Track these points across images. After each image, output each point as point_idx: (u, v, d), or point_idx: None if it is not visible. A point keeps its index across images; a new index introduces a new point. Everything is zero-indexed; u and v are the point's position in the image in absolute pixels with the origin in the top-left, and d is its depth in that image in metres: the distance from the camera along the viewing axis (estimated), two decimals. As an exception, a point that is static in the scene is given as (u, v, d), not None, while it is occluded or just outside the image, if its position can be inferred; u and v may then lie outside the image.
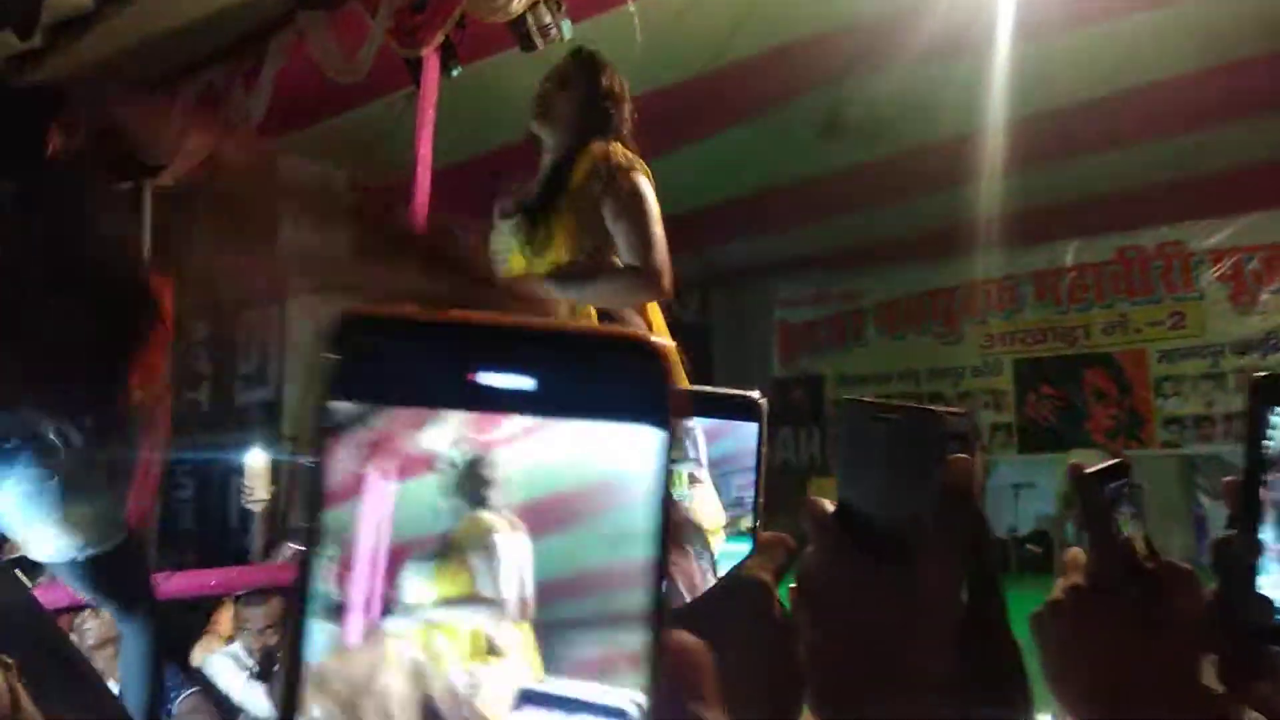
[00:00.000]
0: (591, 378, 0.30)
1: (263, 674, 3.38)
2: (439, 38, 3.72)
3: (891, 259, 8.28)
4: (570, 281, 2.38)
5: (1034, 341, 8.28)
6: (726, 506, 0.59)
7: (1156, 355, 7.70)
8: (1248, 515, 0.58)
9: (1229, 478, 0.61)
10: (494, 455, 0.31)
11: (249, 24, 4.31)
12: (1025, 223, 7.04)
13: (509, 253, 2.48)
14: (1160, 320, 7.71)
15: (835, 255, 8.29)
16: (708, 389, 0.60)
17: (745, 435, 0.57)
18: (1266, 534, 0.58)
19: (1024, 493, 7.91)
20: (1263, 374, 0.59)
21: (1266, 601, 0.57)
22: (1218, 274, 7.46)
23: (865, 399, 0.52)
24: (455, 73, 3.90)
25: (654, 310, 2.52)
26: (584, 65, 2.58)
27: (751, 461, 0.56)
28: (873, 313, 9.01)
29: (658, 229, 2.39)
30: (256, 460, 5.11)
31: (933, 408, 0.50)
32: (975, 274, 8.21)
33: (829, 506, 0.50)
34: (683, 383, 0.32)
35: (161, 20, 4.15)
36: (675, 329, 2.73)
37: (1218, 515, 7.62)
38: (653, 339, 0.31)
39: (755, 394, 0.56)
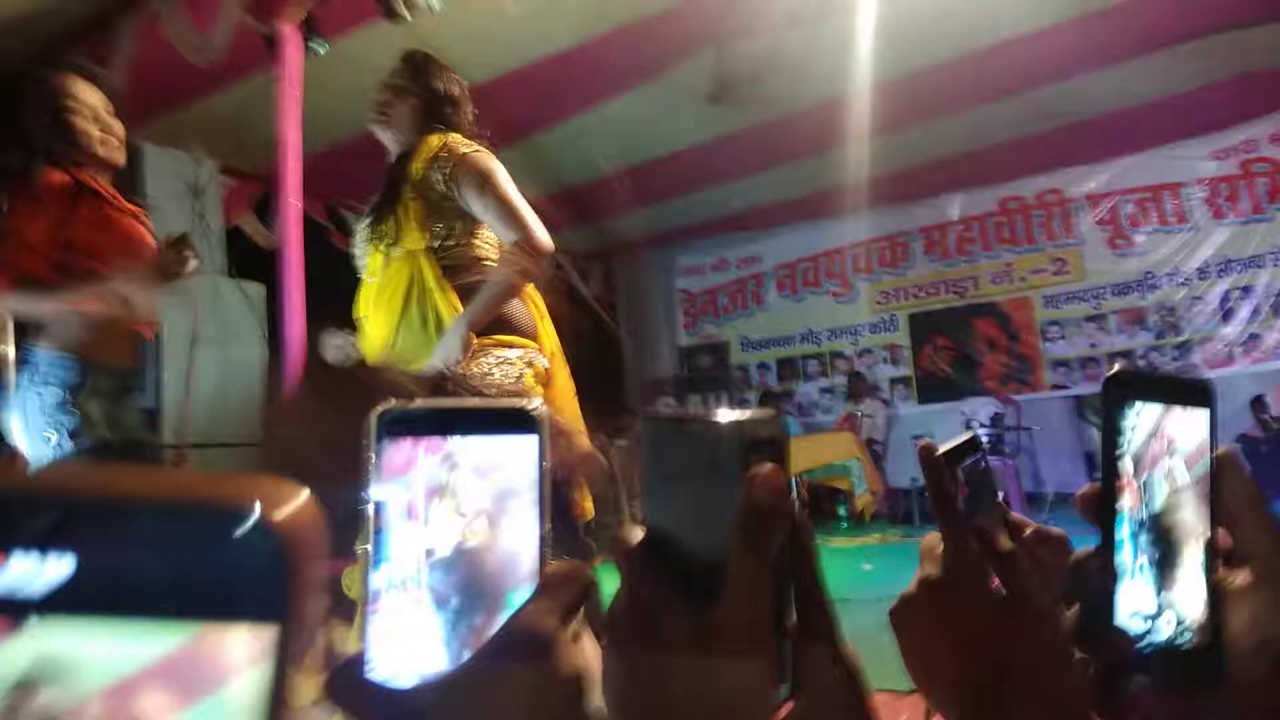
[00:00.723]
0: (154, 560, 0.22)
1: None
2: (298, 12, 3.52)
3: (785, 221, 8.37)
4: (465, 309, 2.27)
5: (926, 295, 8.49)
6: (513, 554, 0.46)
7: (1041, 301, 7.98)
8: (1104, 533, 0.51)
9: (1084, 489, 0.53)
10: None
11: (97, 6, 4.03)
12: (911, 179, 7.19)
13: (366, 250, 2.44)
14: (1043, 267, 7.98)
15: (731, 221, 8.34)
16: (473, 403, 0.48)
17: (525, 458, 0.46)
18: (1124, 553, 0.51)
19: (924, 443, 8.10)
20: (1114, 371, 0.52)
21: (1125, 634, 0.51)
22: (1095, 218, 7.74)
23: (664, 413, 0.46)
24: (321, 50, 3.70)
25: (534, 294, 2.44)
26: (418, 69, 2.52)
27: (534, 493, 0.46)
28: (772, 276, 9.11)
29: (519, 197, 2.36)
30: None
31: (735, 415, 0.44)
32: (865, 232, 8.37)
33: (636, 537, 0.44)
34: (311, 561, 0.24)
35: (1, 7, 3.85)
36: (580, 303, 2.68)
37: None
38: (248, 499, 0.23)
39: (531, 403, 0.46)
